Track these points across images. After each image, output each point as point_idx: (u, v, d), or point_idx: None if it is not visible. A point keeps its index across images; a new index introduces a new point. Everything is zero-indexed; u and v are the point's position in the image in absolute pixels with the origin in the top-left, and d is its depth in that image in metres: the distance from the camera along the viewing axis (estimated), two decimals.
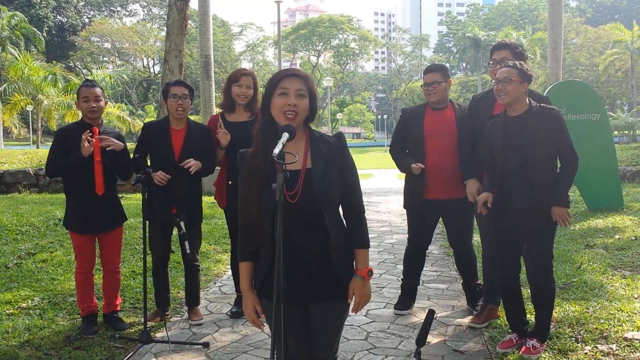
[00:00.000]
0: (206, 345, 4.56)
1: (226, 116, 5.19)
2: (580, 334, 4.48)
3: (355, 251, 2.69)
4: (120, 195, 5.14)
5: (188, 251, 4.93)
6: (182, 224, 4.85)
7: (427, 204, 5.07)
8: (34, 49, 49.83)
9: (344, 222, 2.71)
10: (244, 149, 2.73)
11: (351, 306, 2.70)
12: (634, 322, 4.65)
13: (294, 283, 2.52)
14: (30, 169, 14.33)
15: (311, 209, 2.54)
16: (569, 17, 60.02)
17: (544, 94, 7.46)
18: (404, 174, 5.28)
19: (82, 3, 73.13)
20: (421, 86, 5.23)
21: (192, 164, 4.87)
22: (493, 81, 4.28)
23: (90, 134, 4.66)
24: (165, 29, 14.11)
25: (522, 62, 4.21)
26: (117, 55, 67.52)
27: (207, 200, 11.46)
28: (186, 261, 5.19)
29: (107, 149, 4.71)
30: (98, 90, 4.82)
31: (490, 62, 4.81)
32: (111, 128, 5.14)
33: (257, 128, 2.68)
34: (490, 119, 4.39)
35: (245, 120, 5.10)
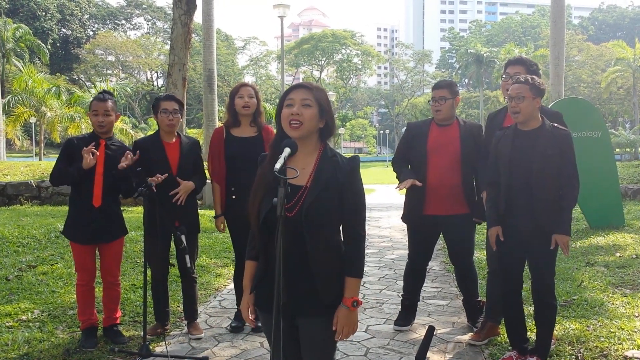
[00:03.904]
0: (205, 359, 4.55)
1: (232, 131, 5.20)
2: (580, 352, 4.46)
3: (345, 278, 2.62)
4: (122, 208, 5.15)
5: (189, 265, 4.94)
6: (182, 237, 4.86)
7: (427, 219, 5.07)
8: (38, 61, 50.18)
9: (341, 246, 2.67)
10: (265, 153, 2.73)
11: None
12: (634, 341, 4.64)
13: (282, 294, 2.49)
14: (32, 181, 14.36)
15: (302, 226, 2.53)
16: (571, 35, 60.23)
17: None
18: (405, 189, 5.29)
19: (86, 16, 73.66)
20: (428, 101, 5.25)
21: (181, 194, 4.96)
22: (506, 98, 4.26)
23: (94, 146, 4.68)
24: (169, 42, 14.15)
25: (534, 77, 4.15)
26: (120, 68, 67.85)
27: (209, 214, 11.46)
28: (183, 274, 5.20)
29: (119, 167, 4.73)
30: (109, 104, 4.83)
31: (504, 76, 4.81)
32: (120, 140, 5.17)
33: (271, 141, 2.71)
34: (499, 130, 4.37)
35: (251, 136, 5.13)
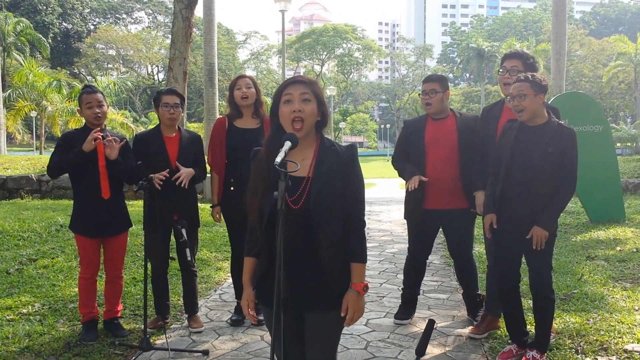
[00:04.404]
0: (206, 353, 4.56)
1: (234, 122, 5.21)
2: (580, 346, 4.47)
3: (351, 265, 2.65)
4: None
5: (189, 258, 4.94)
6: (183, 231, 4.86)
7: (427, 213, 5.06)
8: (39, 55, 50.06)
9: (345, 235, 2.67)
10: (257, 147, 2.73)
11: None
12: (635, 334, 4.64)
13: (289, 290, 2.50)
14: (33, 175, 14.36)
15: (309, 217, 2.54)
16: (572, 29, 60.12)
17: None
18: (405, 184, 5.29)
19: (87, 10, 73.52)
20: (419, 94, 5.26)
21: (183, 177, 4.94)
22: (507, 98, 4.25)
23: (100, 134, 4.67)
24: (170, 36, 14.14)
25: (534, 73, 4.14)
26: (121, 62, 67.77)
27: (209, 207, 11.44)
28: (183, 268, 5.20)
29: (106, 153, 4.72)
30: (99, 95, 4.85)
31: (500, 70, 4.81)
32: (115, 132, 5.16)
33: (266, 136, 2.70)
34: (507, 122, 4.36)
35: (253, 127, 5.13)
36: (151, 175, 4.75)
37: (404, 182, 5.23)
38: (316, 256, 2.56)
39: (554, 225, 4.09)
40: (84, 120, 4.92)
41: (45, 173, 14.18)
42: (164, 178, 4.86)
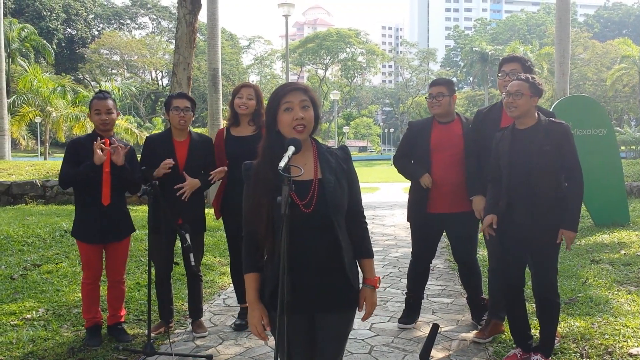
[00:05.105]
0: (209, 358, 4.56)
1: (231, 130, 5.27)
2: (585, 350, 4.45)
3: (362, 261, 2.75)
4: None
5: (193, 263, 4.94)
6: (187, 236, 4.87)
7: (431, 217, 5.06)
8: (43, 61, 50.21)
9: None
10: (249, 161, 2.73)
11: (359, 315, 2.75)
12: (639, 338, 4.62)
13: (303, 291, 2.54)
14: (37, 181, 14.39)
15: (324, 218, 2.56)
16: (576, 32, 60.02)
17: (551, 109, 7.47)
18: (409, 188, 5.28)
19: (91, 16, 73.71)
20: (425, 98, 5.26)
21: (186, 189, 4.96)
22: (503, 94, 4.27)
23: (103, 141, 4.70)
24: (174, 42, 14.17)
25: (534, 76, 4.19)
26: (125, 67, 67.94)
27: (212, 212, 11.46)
28: (189, 273, 5.21)
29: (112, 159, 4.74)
30: (110, 102, 4.86)
31: (500, 75, 4.82)
32: (123, 141, 5.17)
33: (263, 144, 2.67)
34: (498, 132, 4.38)
35: (249, 135, 5.15)
36: (157, 183, 4.78)
37: (408, 185, 5.22)
38: (332, 256, 2.59)
39: (577, 223, 4.11)
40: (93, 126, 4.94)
41: (50, 179, 14.27)
42: (170, 166, 4.89)
